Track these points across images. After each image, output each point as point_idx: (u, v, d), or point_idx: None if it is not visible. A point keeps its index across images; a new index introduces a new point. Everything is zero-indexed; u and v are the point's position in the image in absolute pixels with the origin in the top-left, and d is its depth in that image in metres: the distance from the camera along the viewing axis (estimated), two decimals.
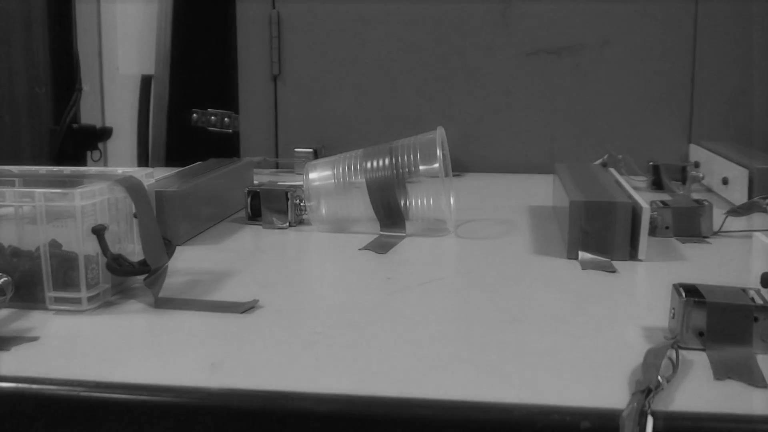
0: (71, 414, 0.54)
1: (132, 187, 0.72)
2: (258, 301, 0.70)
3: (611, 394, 0.51)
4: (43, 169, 0.82)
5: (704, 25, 1.44)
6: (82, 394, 0.54)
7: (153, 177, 0.79)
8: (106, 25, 2.43)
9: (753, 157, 1.21)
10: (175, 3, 2.00)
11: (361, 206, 0.98)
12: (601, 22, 1.47)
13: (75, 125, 2.00)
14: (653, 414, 0.47)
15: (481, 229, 1.04)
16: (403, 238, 0.97)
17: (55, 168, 0.82)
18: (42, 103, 2.21)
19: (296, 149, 1.47)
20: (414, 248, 0.93)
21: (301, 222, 1.04)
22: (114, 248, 0.70)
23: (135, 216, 0.72)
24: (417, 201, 0.98)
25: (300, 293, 0.77)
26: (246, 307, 0.69)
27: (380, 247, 0.92)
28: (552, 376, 0.55)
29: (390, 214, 0.98)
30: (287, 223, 1.02)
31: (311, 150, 1.46)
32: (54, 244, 0.69)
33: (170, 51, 2.01)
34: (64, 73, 2.04)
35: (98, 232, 0.68)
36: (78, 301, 0.68)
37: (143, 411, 0.53)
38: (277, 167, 1.52)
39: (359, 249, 0.92)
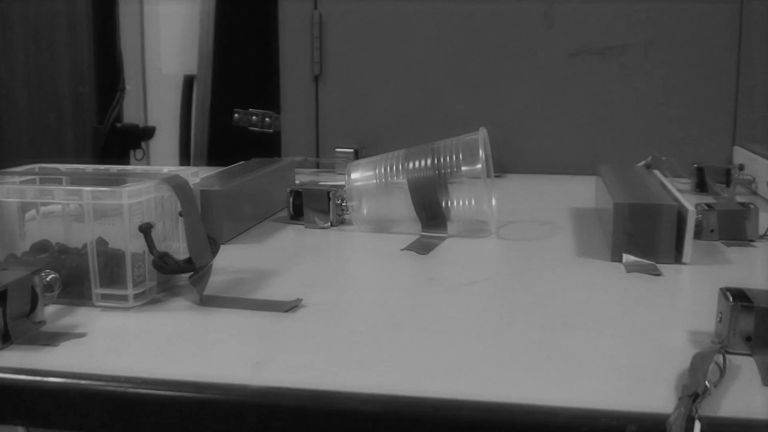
0: (118, 410, 0.55)
1: (178, 185, 0.73)
2: (301, 300, 0.71)
3: (658, 398, 0.50)
4: (89, 168, 0.83)
5: (749, 26, 1.42)
6: (129, 390, 0.54)
7: (198, 176, 0.79)
8: (148, 26, 2.46)
9: None
10: (218, 3, 2.02)
11: (402, 207, 0.98)
12: (645, 22, 1.45)
13: (118, 124, 2.03)
14: (700, 419, 0.47)
15: (523, 230, 1.04)
16: (444, 238, 0.96)
17: (102, 166, 0.83)
18: (86, 103, 2.24)
19: (337, 149, 1.48)
20: (456, 249, 0.93)
21: (342, 222, 1.04)
22: (160, 246, 0.70)
23: (180, 214, 0.73)
24: (459, 202, 0.98)
25: (342, 293, 0.77)
26: (289, 306, 0.69)
27: (422, 247, 0.92)
28: (598, 379, 0.55)
29: (432, 214, 0.98)
30: (329, 223, 1.03)
31: (352, 150, 1.46)
32: (101, 242, 0.70)
33: (212, 51, 2.02)
34: (108, 72, 2.07)
35: (145, 230, 0.68)
36: (124, 298, 0.69)
37: (188, 407, 0.54)
38: (317, 167, 1.53)
39: (401, 249, 0.92)
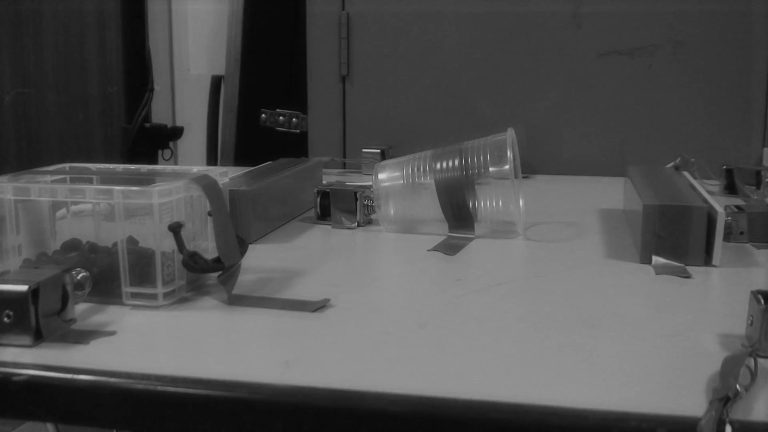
0: (147, 407, 0.55)
1: (207, 185, 0.73)
2: (329, 300, 0.71)
3: (688, 401, 0.50)
4: (119, 167, 0.84)
5: None
6: (159, 388, 0.55)
7: (227, 176, 0.80)
8: (177, 26, 2.47)
9: None
10: (246, 3, 2.03)
11: (429, 207, 0.98)
12: (673, 22, 1.44)
13: (147, 124, 2.04)
14: (731, 423, 0.46)
15: (551, 231, 1.03)
16: (472, 239, 0.96)
17: (132, 166, 0.84)
18: (114, 103, 2.26)
19: (364, 150, 1.48)
20: (483, 250, 0.93)
21: (369, 222, 1.04)
22: (189, 245, 0.71)
23: (210, 214, 0.73)
24: (486, 202, 0.97)
25: (370, 293, 0.77)
26: (317, 306, 0.69)
27: (449, 248, 0.92)
28: (628, 382, 0.54)
29: (459, 215, 0.98)
30: (356, 223, 1.03)
31: (379, 150, 1.46)
32: (131, 241, 0.71)
33: (240, 52, 2.03)
34: (137, 73, 2.08)
35: (175, 229, 0.69)
36: (154, 296, 0.70)
37: (218, 406, 0.54)
38: (344, 167, 1.53)
39: (428, 250, 0.92)
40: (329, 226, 1.03)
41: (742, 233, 0.95)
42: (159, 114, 2.24)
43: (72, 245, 0.75)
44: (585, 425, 0.49)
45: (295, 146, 1.67)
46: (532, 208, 1.06)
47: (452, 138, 1.03)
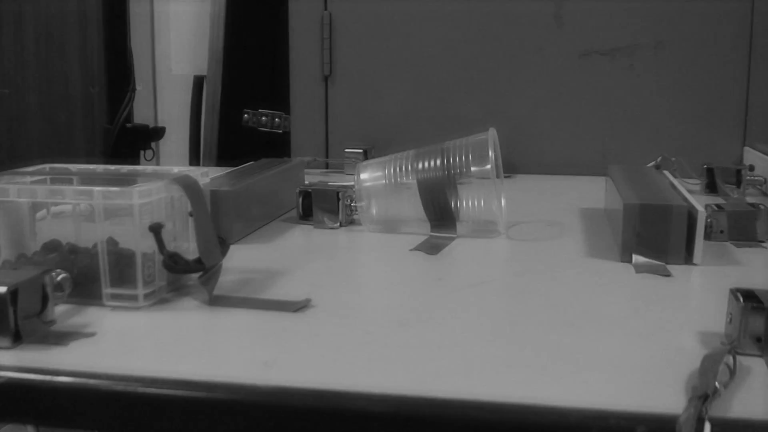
0: (127, 409, 0.55)
1: (188, 186, 0.73)
2: (310, 300, 0.71)
3: (667, 399, 0.50)
4: (100, 168, 0.83)
5: (760, 26, 1.41)
6: (138, 389, 0.54)
7: (208, 176, 0.79)
8: (159, 26, 2.47)
9: None
10: (228, 4, 2.02)
11: (411, 207, 0.98)
12: (654, 22, 1.45)
13: (128, 124, 2.04)
14: (710, 420, 0.47)
15: (532, 230, 1.03)
16: (453, 239, 0.96)
17: (112, 167, 0.83)
18: (96, 103, 2.24)
19: (346, 149, 1.48)
20: (465, 249, 0.93)
21: (351, 222, 1.04)
22: (170, 246, 0.70)
23: (191, 214, 0.73)
24: (468, 202, 0.98)
25: (351, 293, 0.77)
26: (298, 306, 0.69)
27: (431, 247, 0.92)
28: (608, 380, 0.55)
29: (441, 215, 0.98)
30: (338, 223, 1.03)
31: (361, 150, 1.46)
32: (111, 242, 0.70)
33: (222, 52, 2.03)
34: (118, 73, 2.08)
35: (155, 229, 0.68)
36: (134, 297, 0.69)
37: (198, 407, 0.54)
38: (327, 167, 1.53)
39: (410, 250, 0.92)
40: (311, 226, 1.03)
41: (722, 232, 0.96)
42: (141, 114, 2.23)
43: (52, 246, 0.74)
44: (565, 423, 0.49)
45: (278, 146, 1.67)
46: (514, 207, 1.06)
47: (434, 138, 1.03)
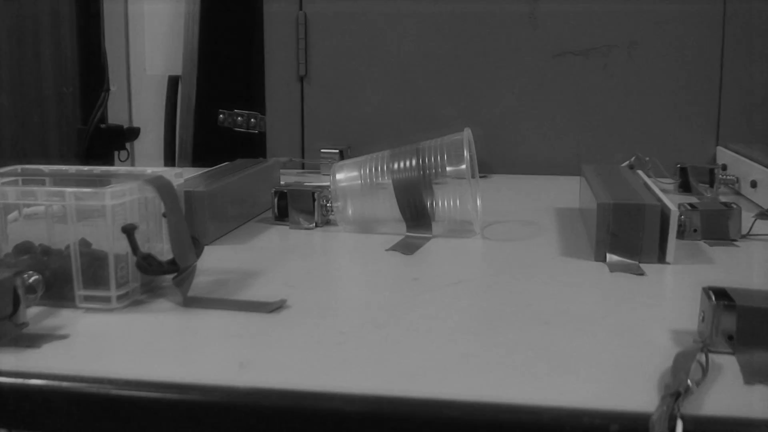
0: (100, 411, 0.54)
1: (161, 186, 0.73)
2: (285, 300, 0.71)
3: (640, 397, 0.51)
4: (72, 169, 0.82)
5: (732, 27, 1.43)
6: (112, 392, 0.54)
7: (182, 177, 0.79)
8: (133, 26, 2.45)
9: None
10: (203, 3, 2.01)
11: (387, 207, 0.98)
12: (628, 23, 1.46)
13: (102, 125, 2.02)
14: (683, 417, 0.47)
15: (508, 230, 1.04)
16: (429, 239, 0.97)
17: (85, 167, 0.83)
18: (70, 103, 2.23)
19: (322, 150, 1.48)
20: (440, 249, 0.93)
21: (327, 222, 1.04)
22: (143, 247, 0.70)
23: (164, 215, 0.73)
24: (443, 202, 0.98)
25: (327, 293, 0.77)
26: (273, 307, 0.69)
27: (406, 248, 0.92)
28: (581, 378, 0.55)
29: (416, 215, 0.98)
30: (314, 224, 1.02)
31: (337, 151, 1.46)
32: (84, 243, 0.70)
33: (197, 52, 2.02)
34: (92, 73, 2.06)
35: (128, 231, 0.68)
36: (107, 299, 0.69)
37: (171, 409, 0.53)
38: (303, 168, 1.53)
39: (386, 250, 0.92)
40: (287, 227, 1.03)
41: (695, 231, 0.96)
42: (115, 115, 2.21)
43: (24, 248, 0.74)
44: (539, 422, 0.49)
45: (254, 147, 1.66)
46: (490, 207, 1.06)
47: (410, 138, 1.04)
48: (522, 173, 1.49)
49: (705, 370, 0.55)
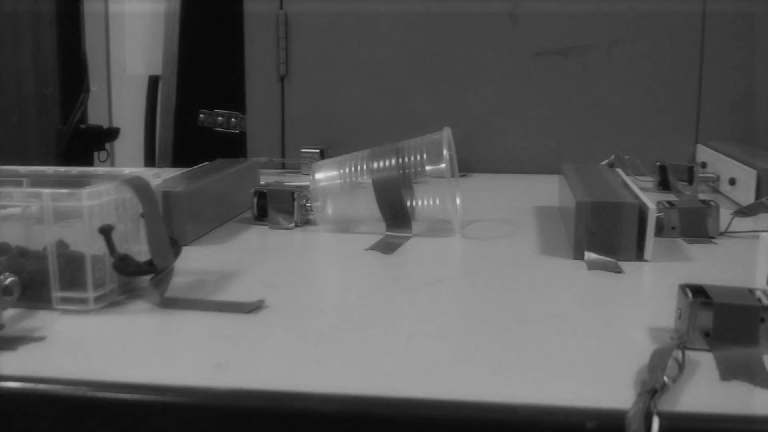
0: (77, 413, 0.54)
1: (139, 187, 0.72)
2: (264, 301, 0.71)
3: (617, 394, 0.51)
4: (50, 170, 0.82)
5: (712, 26, 1.44)
6: (89, 393, 0.54)
7: (160, 177, 0.79)
8: (113, 26, 2.44)
9: (760, 157, 1.20)
10: (183, 3, 2.01)
11: (367, 206, 0.98)
12: (608, 22, 1.46)
13: (82, 126, 2.01)
14: (659, 414, 0.47)
15: (487, 229, 1.04)
16: (409, 238, 0.97)
17: (63, 168, 0.82)
18: (50, 104, 2.21)
19: (302, 149, 1.48)
20: (420, 249, 0.93)
21: (307, 222, 1.04)
22: (121, 248, 0.70)
23: (142, 216, 0.72)
24: (423, 201, 0.98)
25: (306, 293, 0.77)
26: (252, 307, 0.69)
27: (386, 247, 0.92)
28: (558, 376, 0.55)
29: (396, 214, 0.98)
30: (293, 224, 1.02)
31: (318, 150, 1.46)
32: (61, 244, 0.69)
33: (177, 52, 2.01)
34: (72, 73, 2.05)
35: (105, 232, 0.68)
36: (84, 301, 0.69)
37: (148, 410, 0.53)
38: (283, 167, 1.53)
39: (365, 249, 0.92)
40: (266, 227, 1.03)
41: (673, 228, 0.97)
42: (95, 115, 2.20)
43: (1, 249, 0.73)
44: (515, 419, 0.49)
45: (234, 147, 1.66)
46: (469, 206, 1.07)
47: (390, 137, 1.04)
48: (502, 172, 1.49)
49: (682, 366, 0.55)
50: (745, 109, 1.45)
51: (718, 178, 1.28)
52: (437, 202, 0.97)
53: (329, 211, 1.00)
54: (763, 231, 0.84)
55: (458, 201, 1.00)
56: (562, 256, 0.88)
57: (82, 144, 1.99)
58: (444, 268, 0.87)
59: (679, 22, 1.45)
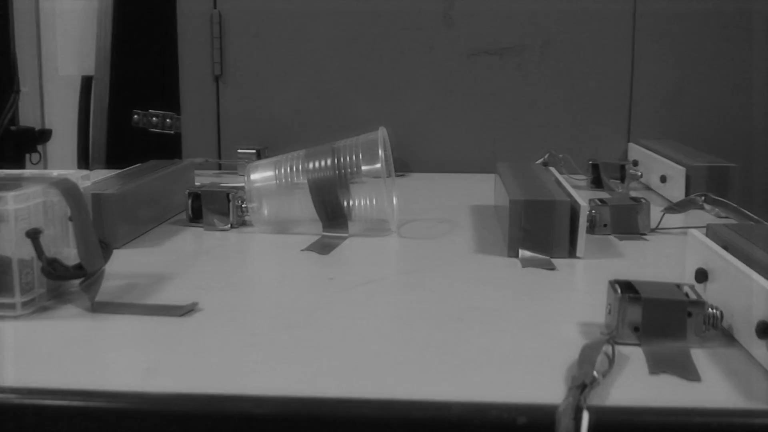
0: (3, 421, 0.53)
1: (67, 189, 0.71)
2: (197, 303, 0.70)
3: (548, 389, 0.52)
4: None
5: (642, 25, 1.46)
6: (15, 401, 0.53)
7: (89, 179, 0.77)
8: (45, 25, 2.39)
9: (690, 155, 1.23)
10: (115, 2, 1.98)
11: (303, 207, 0.98)
12: (541, 22, 1.48)
13: (13, 127, 1.97)
14: (589, 408, 0.48)
15: (424, 228, 1.04)
16: (345, 238, 0.96)
17: None
18: None
19: (239, 150, 1.46)
20: (356, 248, 0.93)
21: (242, 223, 1.03)
22: (49, 252, 0.68)
23: (70, 219, 0.71)
24: (359, 201, 0.98)
25: (240, 295, 0.76)
26: (185, 311, 0.68)
27: (322, 247, 0.92)
28: (490, 372, 0.56)
29: (332, 214, 0.98)
30: (229, 225, 1.01)
31: (254, 151, 1.45)
32: None
33: (110, 51, 1.98)
34: (2, 74, 2.00)
35: (33, 235, 0.66)
36: (12, 306, 0.67)
37: (77, 417, 0.52)
38: (219, 168, 1.51)
39: (301, 250, 0.91)
40: (201, 229, 1.02)
41: (605, 225, 0.98)
42: (26, 116, 2.16)
43: None
44: (448, 416, 0.49)
45: (170, 147, 1.64)
46: (406, 205, 1.07)
47: (327, 137, 1.03)
48: (438, 171, 1.49)
49: (611, 361, 0.56)
50: (676, 107, 1.48)
51: (641, 175, 1.29)
52: (373, 201, 0.98)
53: (265, 212, 1.00)
54: (691, 227, 0.85)
55: (394, 201, 1.01)
56: (497, 254, 0.89)
57: (13, 146, 1.95)
58: (380, 267, 0.88)
59: (611, 21, 1.47)
